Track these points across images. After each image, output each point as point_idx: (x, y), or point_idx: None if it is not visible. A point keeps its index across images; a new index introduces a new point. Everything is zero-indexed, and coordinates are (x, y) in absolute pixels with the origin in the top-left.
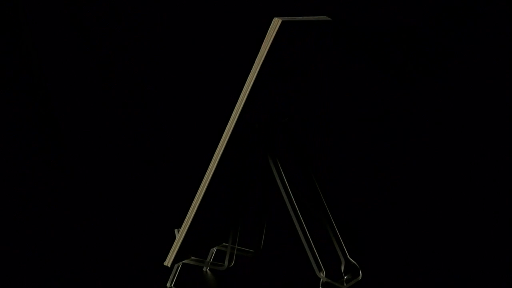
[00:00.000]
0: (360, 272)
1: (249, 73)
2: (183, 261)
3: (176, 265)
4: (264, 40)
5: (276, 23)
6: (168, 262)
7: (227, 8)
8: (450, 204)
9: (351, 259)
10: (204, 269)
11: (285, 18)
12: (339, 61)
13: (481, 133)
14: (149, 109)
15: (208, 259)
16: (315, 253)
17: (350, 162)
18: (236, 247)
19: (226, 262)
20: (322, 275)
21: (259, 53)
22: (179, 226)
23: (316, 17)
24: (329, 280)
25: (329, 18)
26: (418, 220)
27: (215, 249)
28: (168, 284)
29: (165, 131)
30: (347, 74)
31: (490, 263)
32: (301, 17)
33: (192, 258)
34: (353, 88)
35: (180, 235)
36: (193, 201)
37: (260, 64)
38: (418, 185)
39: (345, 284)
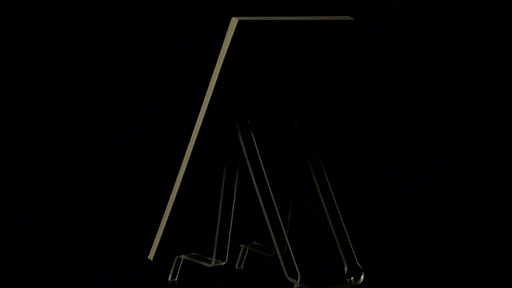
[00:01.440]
0: (362, 277)
1: None
2: (182, 257)
3: (176, 259)
4: (224, 41)
5: (233, 23)
6: (151, 255)
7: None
8: (453, 206)
9: (358, 263)
10: (237, 266)
11: (243, 18)
12: (340, 62)
13: (482, 134)
14: (148, 109)
15: (239, 258)
16: (290, 254)
17: (349, 163)
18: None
19: (213, 261)
20: (294, 281)
21: (220, 54)
22: None
23: (325, 17)
24: (303, 285)
25: (351, 18)
26: (419, 222)
27: (245, 247)
28: (169, 278)
29: (165, 131)
30: (346, 74)
31: (492, 266)
32: (273, 17)
33: (194, 254)
34: (353, 89)
35: (159, 229)
36: (171, 195)
37: (220, 64)
38: (419, 186)
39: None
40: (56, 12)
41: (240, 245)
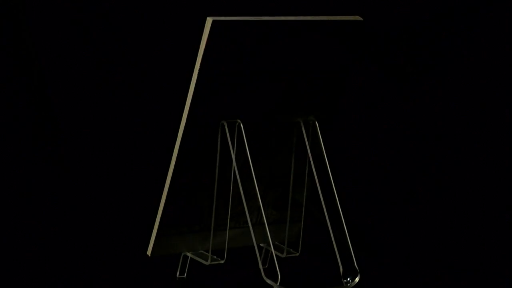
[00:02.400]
0: (357, 279)
1: None
2: (187, 254)
3: (182, 256)
4: (201, 40)
5: (208, 23)
6: (149, 251)
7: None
8: (453, 207)
9: (356, 266)
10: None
11: (218, 18)
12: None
13: (484, 134)
14: (148, 109)
15: (262, 257)
16: (273, 255)
17: (349, 164)
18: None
19: (209, 258)
20: (273, 283)
21: (198, 53)
22: None
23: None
24: None
25: (360, 18)
26: (419, 222)
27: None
28: (177, 274)
29: (165, 131)
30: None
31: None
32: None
33: (199, 251)
34: (353, 89)
35: (154, 225)
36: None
37: (199, 63)
38: (419, 187)
39: None
40: (56, 12)
41: (261, 245)
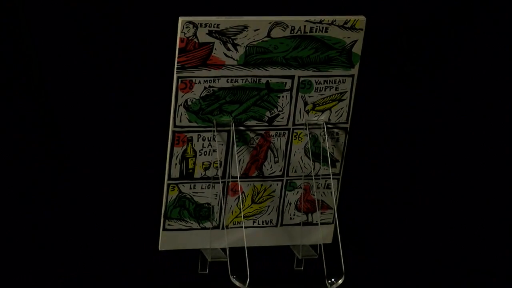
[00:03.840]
0: (340, 281)
1: None
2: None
3: (200, 252)
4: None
5: (180, 22)
6: (159, 245)
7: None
8: (453, 207)
9: (343, 268)
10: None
11: (189, 18)
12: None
13: (485, 135)
14: (149, 108)
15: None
16: (245, 255)
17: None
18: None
19: (209, 257)
20: (241, 284)
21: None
22: None
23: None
24: None
25: (363, 18)
26: (419, 222)
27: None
28: (199, 270)
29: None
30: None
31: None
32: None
33: (211, 248)
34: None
35: (161, 220)
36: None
37: (176, 62)
38: (419, 189)
39: None
40: (56, 12)
41: (291, 247)
